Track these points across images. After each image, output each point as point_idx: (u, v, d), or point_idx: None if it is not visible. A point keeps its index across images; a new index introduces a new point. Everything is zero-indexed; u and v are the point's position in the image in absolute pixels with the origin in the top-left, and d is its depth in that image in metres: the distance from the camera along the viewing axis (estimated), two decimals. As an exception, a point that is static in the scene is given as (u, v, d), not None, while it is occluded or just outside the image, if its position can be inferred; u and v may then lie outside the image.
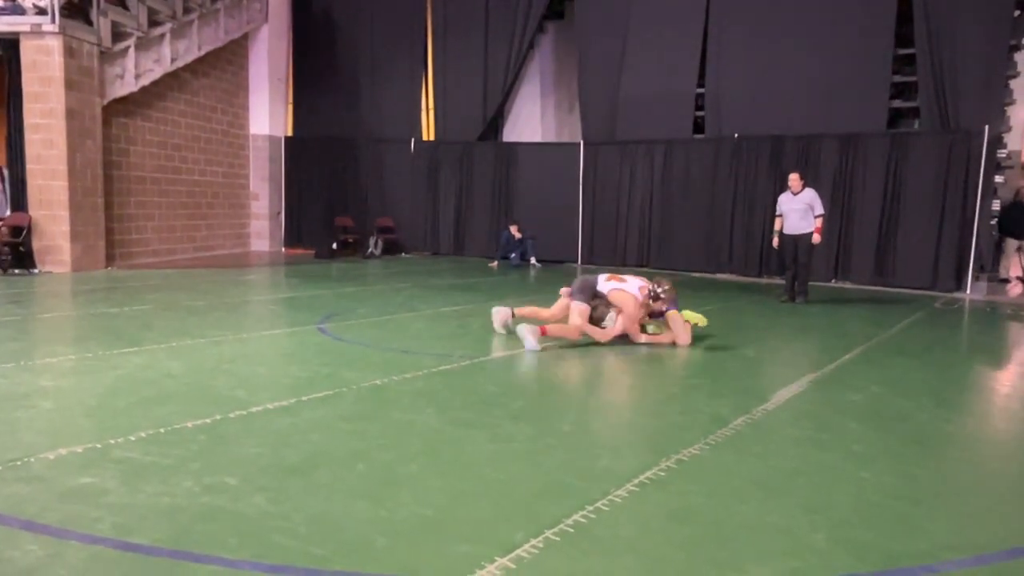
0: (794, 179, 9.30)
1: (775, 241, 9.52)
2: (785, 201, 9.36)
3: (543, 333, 6.00)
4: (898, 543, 2.67)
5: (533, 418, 4.08)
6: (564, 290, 6.57)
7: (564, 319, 6.31)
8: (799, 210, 9.20)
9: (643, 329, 6.44)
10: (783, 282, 9.84)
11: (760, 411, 4.32)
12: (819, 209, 9.19)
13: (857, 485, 3.22)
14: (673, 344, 6.29)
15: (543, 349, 5.88)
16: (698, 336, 6.74)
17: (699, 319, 6.55)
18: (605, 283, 6.27)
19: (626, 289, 6.19)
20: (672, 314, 6.29)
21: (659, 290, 6.15)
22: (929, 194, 11.38)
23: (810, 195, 9.22)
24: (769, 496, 3.06)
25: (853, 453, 3.65)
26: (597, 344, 6.21)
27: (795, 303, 9.34)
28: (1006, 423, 4.56)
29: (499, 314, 6.53)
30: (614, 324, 6.19)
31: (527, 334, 5.88)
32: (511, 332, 6.25)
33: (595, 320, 6.23)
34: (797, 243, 9.24)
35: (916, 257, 11.37)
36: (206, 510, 2.73)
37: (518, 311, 6.56)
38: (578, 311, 6.12)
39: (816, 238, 9.19)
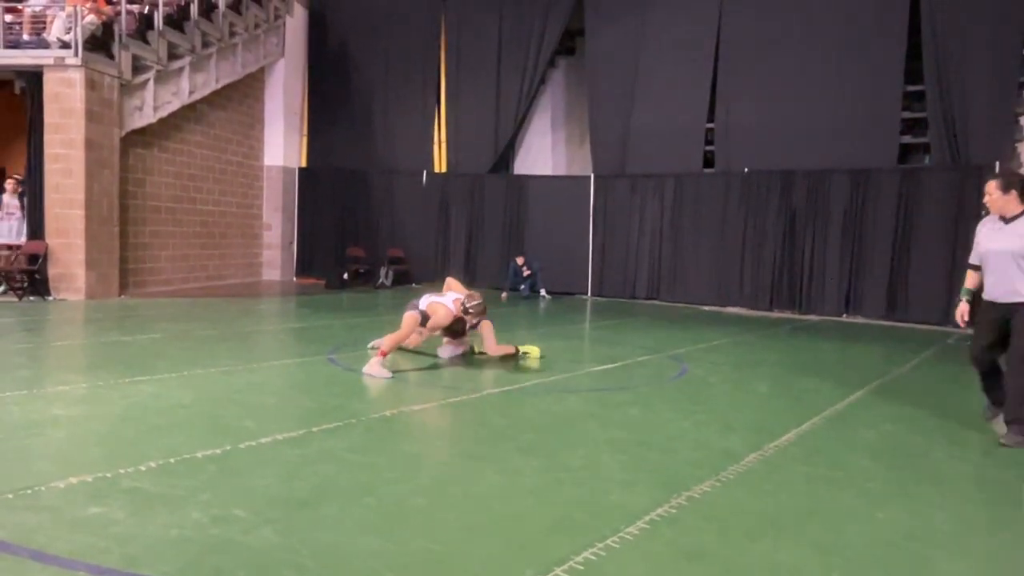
0: (992, 190, 4.54)
1: (962, 313, 4.80)
2: (985, 235, 4.69)
3: (383, 355, 5.97)
4: (914, 585, 2.63)
5: (542, 452, 4.05)
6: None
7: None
8: (1008, 253, 4.48)
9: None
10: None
11: (772, 447, 4.28)
12: None
13: (871, 524, 3.17)
14: (482, 354, 6.83)
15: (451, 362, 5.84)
16: (709, 371, 6.71)
17: (533, 350, 6.95)
18: (427, 299, 6.58)
19: (441, 301, 6.50)
20: (485, 323, 6.68)
21: (468, 305, 6.48)
22: (940, 229, 11.36)
23: None
24: (781, 535, 3.02)
25: (867, 491, 3.60)
26: (600, 379, 6.18)
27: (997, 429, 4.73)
28: (1022, 462, 4.49)
29: (375, 367, 5.97)
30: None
31: (376, 370, 5.85)
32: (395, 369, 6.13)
33: (455, 332, 6.64)
34: (1010, 321, 4.49)
35: (928, 292, 11.31)
36: (215, 542, 2.72)
37: (385, 349, 6.13)
38: (409, 317, 6.36)
39: None
